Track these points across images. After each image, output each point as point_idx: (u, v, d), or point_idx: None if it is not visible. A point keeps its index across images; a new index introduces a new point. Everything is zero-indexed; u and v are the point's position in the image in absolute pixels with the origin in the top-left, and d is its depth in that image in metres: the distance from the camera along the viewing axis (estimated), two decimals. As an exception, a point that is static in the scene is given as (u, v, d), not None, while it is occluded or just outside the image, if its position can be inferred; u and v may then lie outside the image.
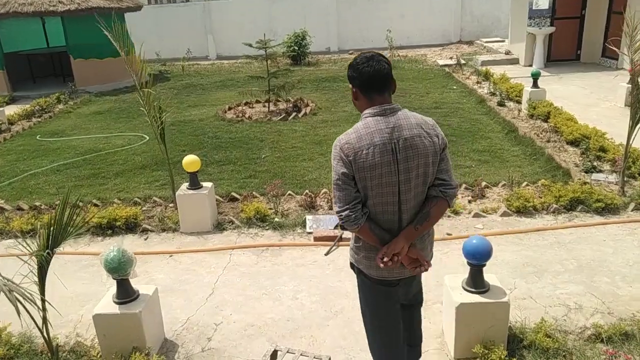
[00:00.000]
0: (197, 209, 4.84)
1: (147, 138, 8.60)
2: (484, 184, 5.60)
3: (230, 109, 10.36)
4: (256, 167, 6.82)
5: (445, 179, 2.25)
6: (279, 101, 10.54)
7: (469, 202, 5.33)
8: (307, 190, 5.78)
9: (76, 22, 13.13)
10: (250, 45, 9.72)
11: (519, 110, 8.82)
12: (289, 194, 5.72)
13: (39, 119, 10.66)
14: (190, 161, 4.73)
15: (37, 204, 5.83)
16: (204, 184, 5.01)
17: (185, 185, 4.94)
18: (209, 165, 7.03)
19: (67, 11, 12.75)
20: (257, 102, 10.81)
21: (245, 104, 10.73)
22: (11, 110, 11.14)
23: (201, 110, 10.41)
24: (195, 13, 20.34)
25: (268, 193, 5.61)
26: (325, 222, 4.99)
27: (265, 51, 9.79)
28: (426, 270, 2.27)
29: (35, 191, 6.45)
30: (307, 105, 10.21)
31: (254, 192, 5.82)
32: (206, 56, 19.87)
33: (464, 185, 5.72)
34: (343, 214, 2.14)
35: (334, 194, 2.19)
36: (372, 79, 2.18)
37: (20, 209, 5.79)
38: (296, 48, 16.05)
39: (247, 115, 9.60)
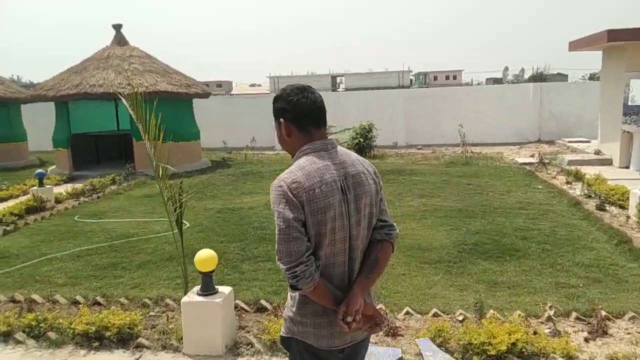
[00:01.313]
0: (207, 322, 3.63)
1: (187, 225, 7.71)
2: (603, 313, 4.03)
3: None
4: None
5: (386, 219, 2.04)
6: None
7: (586, 340, 3.75)
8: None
9: (141, 104, 13.12)
10: (309, 131, 8.93)
11: (627, 217, 7.19)
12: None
13: (87, 199, 10.19)
14: (205, 257, 3.60)
15: (35, 297, 4.86)
16: (222, 288, 3.82)
17: (197, 288, 3.78)
18: (244, 261, 5.91)
19: (134, 94, 12.78)
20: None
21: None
22: (63, 188, 10.82)
23: (254, 198, 9.55)
24: (263, 104, 20.48)
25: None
26: (381, 356, 3.59)
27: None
28: (382, 329, 2.07)
29: (43, 280, 5.55)
30: (368, 198, 9.06)
31: (289, 301, 4.55)
32: (272, 146, 19.64)
33: (574, 315, 4.17)
34: (297, 269, 1.77)
35: (279, 246, 1.81)
36: (310, 111, 1.93)
37: (14, 301, 4.84)
38: (361, 140, 15.31)
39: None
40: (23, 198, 10.03)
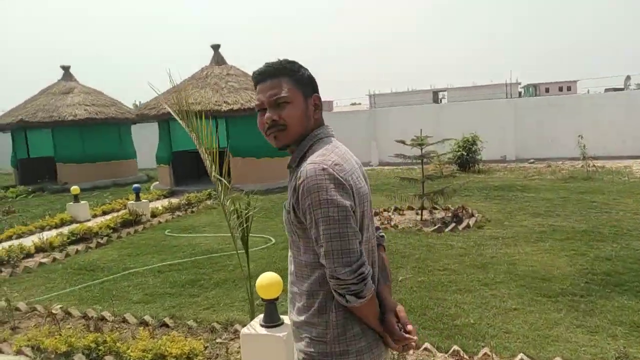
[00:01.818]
0: (268, 359, 3.04)
1: (273, 241, 7.29)
2: None
3: (376, 214, 8.71)
4: (388, 294, 4.86)
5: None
6: (435, 209, 8.60)
7: None
8: (455, 346, 3.62)
9: (237, 122, 13.20)
10: (403, 143, 8.17)
11: None
12: (426, 349, 3.61)
13: (181, 213, 10.23)
14: (267, 282, 3.01)
15: (105, 314, 4.61)
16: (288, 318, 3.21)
17: (260, 317, 3.20)
18: (327, 284, 5.28)
19: (230, 111, 12.90)
20: (410, 208, 9.00)
21: (395, 209, 9.00)
22: (160, 203, 11.01)
23: (344, 215, 8.93)
24: (361, 120, 19.97)
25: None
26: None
27: (421, 150, 8.13)
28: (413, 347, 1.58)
29: (121, 295, 5.34)
30: (472, 215, 8.08)
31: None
32: (369, 162, 19.02)
33: None
34: (364, 270, 1.45)
35: (333, 245, 1.42)
36: None
37: (85, 317, 4.63)
38: (464, 153, 14.15)
39: (392, 223, 7.80)
40: (123, 212, 10.31)
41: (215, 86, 13.67)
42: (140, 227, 8.84)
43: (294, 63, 1.63)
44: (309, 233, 1.50)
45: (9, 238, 8.41)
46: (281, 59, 1.64)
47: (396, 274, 5.41)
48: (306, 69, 1.65)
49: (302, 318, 1.56)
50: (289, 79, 1.60)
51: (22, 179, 16.78)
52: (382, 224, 7.83)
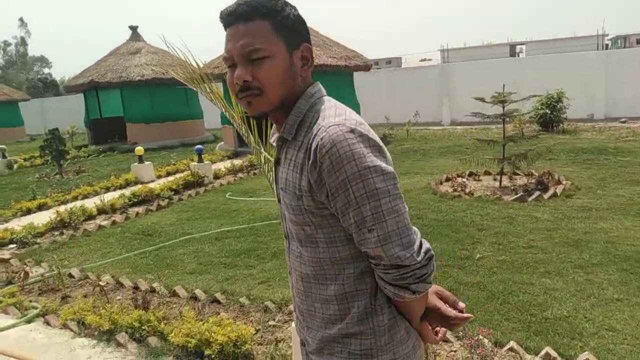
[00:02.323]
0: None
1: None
2: None
3: (448, 180, 7.99)
4: (463, 274, 4.27)
5: None
6: (516, 174, 7.76)
7: None
8: (548, 348, 3.00)
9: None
10: (483, 100, 7.31)
11: None
12: (511, 349, 3.02)
13: (244, 176, 9.98)
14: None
15: (156, 285, 4.36)
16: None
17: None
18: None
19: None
20: (487, 173, 8.20)
21: (470, 175, 8.22)
22: (223, 164, 10.83)
23: (412, 179, 8.30)
24: (431, 76, 18.81)
25: (466, 336, 3.06)
26: None
27: (503, 108, 7.24)
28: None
29: (175, 263, 5.10)
30: (558, 182, 7.19)
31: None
32: (439, 121, 18.03)
33: None
34: (429, 246, 1.18)
35: (393, 222, 1.12)
36: None
37: (136, 287, 4.40)
38: (547, 111, 12.88)
39: (467, 190, 7.08)
40: (186, 173, 10.22)
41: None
42: (201, 190, 8.66)
43: (274, 1, 1.20)
44: (336, 220, 1.17)
45: (75, 199, 8.50)
46: None
47: (472, 251, 4.79)
48: (293, 7, 1.23)
49: (333, 331, 1.24)
50: (269, 23, 1.18)
51: (95, 139, 17.29)
52: (454, 190, 7.13)
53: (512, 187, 7.18)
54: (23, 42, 54.30)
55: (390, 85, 19.27)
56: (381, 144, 1.16)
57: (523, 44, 55.87)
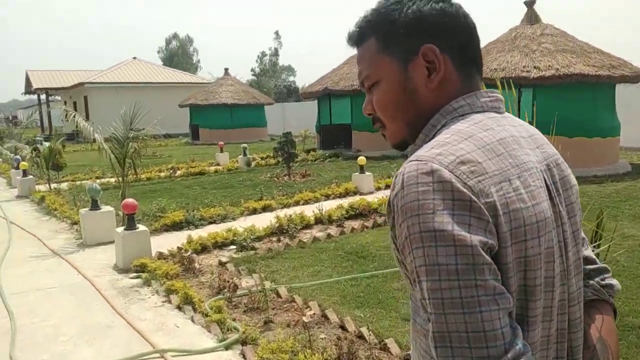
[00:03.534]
0: None
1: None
2: None
3: None
4: None
5: (590, 255, 1.09)
6: None
7: None
8: None
9: (547, 90, 10.87)
10: None
11: None
12: None
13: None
14: None
15: (365, 331, 3.63)
16: None
17: None
18: None
19: (540, 78, 10.66)
20: None
21: None
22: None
23: None
24: None
25: None
26: None
27: None
28: None
29: (387, 301, 4.33)
30: None
31: None
32: None
33: None
34: None
35: (452, 318, 0.76)
36: (473, 35, 0.97)
37: (343, 327, 3.75)
38: None
39: None
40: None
41: (525, 49, 11.53)
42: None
43: (386, 5, 0.95)
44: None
45: (297, 203, 8.50)
46: None
47: None
48: (411, 5, 0.93)
49: None
50: (375, 40, 0.96)
51: (323, 144, 17.95)
52: None
53: None
54: (276, 53, 61.32)
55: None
56: (475, 195, 0.77)
57: None
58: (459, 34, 0.94)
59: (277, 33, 62.42)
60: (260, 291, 4.27)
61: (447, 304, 0.75)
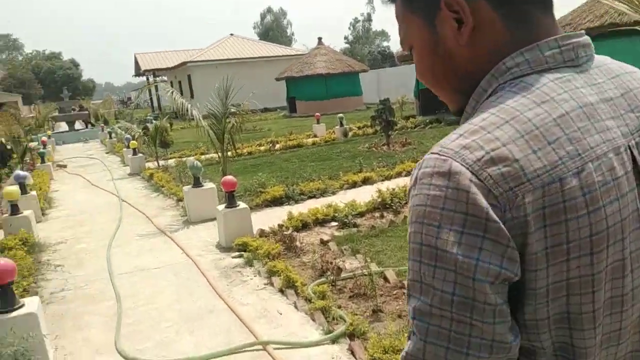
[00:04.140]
0: None
1: None
2: None
3: None
4: None
5: None
6: None
7: None
8: None
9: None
10: None
11: None
12: None
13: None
14: None
15: None
16: None
17: None
18: None
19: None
20: None
21: None
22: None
23: None
24: None
25: None
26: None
27: None
28: None
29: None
30: None
31: None
32: None
33: None
34: None
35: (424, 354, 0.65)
36: None
37: None
38: None
39: None
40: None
41: None
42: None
43: None
44: None
45: (399, 175, 8.01)
46: None
47: None
48: None
49: None
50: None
51: (423, 110, 17.12)
52: None
53: None
54: (369, 18, 59.94)
55: None
56: (493, 217, 0.61)
57: None
58: None
59: (369, -4, 60.76)
60: (366, 274, 3.92)
61: (432, 332, 0.65)
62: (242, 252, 4.99)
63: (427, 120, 15.07)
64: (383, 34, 62.42)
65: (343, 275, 4.10)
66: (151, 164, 11.48)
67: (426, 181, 0.65)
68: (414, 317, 0.66)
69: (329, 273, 4.12)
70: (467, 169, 0.63)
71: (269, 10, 63.50)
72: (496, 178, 0.62)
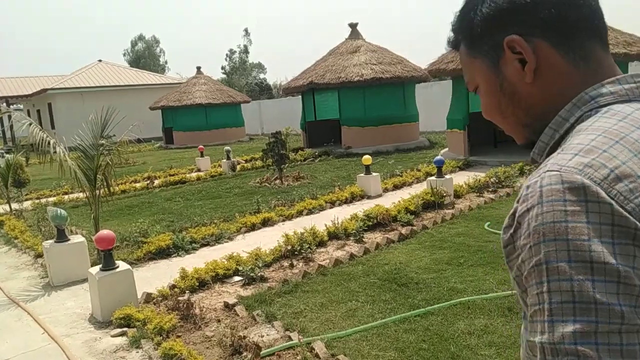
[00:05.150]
0: None
1: None
2: None
3: None
4: None
5: None
6: None
7: None
8: None
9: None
10: None
11: None
12: None
13: (493, 196, 7.86)
14: None
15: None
16: None
17: None
18: None
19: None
20: None
21: None
22: (462, 178, 8.85)
23: None
24: None
25: None
26: None
27: None
28: None
29: (463, 355, 3.28)
30: None
31: None
32: None
33: None
34: None
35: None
36: (590, 7, 0.80)
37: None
38: None
39: None
40: (417, 187, 8.61)
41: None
42: (446, 214, 6.79)
43: (463, 6, 0.88)
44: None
45: (300, 213, 7.41)
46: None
47: None
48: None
49: None
50: (464, 45, 0.89)
51: (310, 142, 16.87)
52: None
53: None
54: (245, 50, 59.70)
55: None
56: (613, 203, 0.63)
57: None
58: (548, 7, 0.77)
59: (246, 30, 60.97)
60: (293, 349, 3.16)
61: (603, 351, 0.60)
62: (125, 329, 3.94)
63: (316, 153, 14.78)
64: (260, 66, 62.59)
65: (263, 352, 3.31)
66: (1, 209, 9.58)
67: (557, 197, 0.65)
68: (574, 343, 0.60)
69: (245, 354, 3.29)
70: (598, 185, 0.64)
71: (141, 37, 60.54)
72: (626, 194, 0.64)
